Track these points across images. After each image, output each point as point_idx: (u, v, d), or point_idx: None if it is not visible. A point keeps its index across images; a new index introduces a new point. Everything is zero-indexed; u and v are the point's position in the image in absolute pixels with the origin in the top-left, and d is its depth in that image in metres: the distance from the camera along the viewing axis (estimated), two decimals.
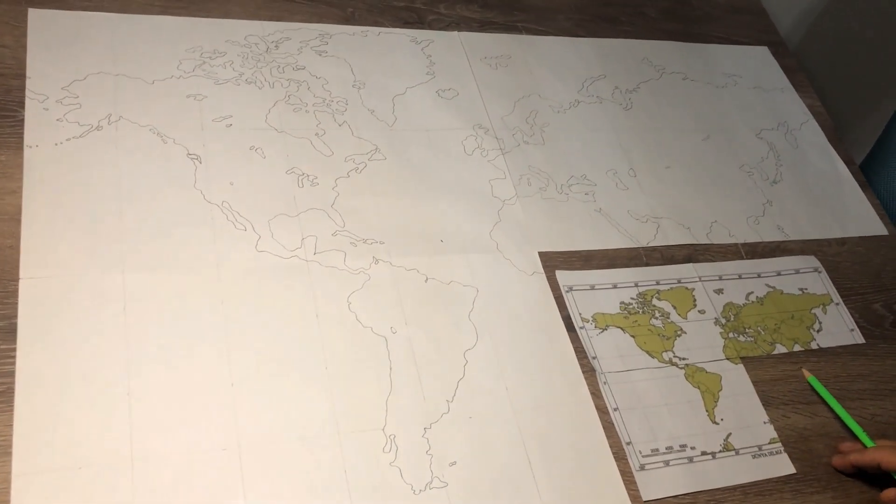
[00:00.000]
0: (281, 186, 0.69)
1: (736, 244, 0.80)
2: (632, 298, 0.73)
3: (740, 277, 0.78)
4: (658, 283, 0.75)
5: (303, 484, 0.55)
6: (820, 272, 0.81)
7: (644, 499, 0.62)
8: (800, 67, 1.02)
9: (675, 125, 0.89)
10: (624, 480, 0.62)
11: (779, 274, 0.79)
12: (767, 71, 0.99)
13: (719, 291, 0.76)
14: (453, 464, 0.59)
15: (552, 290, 0.71)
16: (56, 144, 0.65)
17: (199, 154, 0.68)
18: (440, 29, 0.87)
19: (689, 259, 0.77)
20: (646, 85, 0.91)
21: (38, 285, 0.58)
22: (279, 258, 0.65)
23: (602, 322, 0.70)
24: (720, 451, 0.66)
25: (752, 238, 0.81)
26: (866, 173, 0.94)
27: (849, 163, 0.92)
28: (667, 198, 0.81)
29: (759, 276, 0.78)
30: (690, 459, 0.65)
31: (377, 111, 0.77)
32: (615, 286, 0.73)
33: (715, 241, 0.80)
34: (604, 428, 0.64)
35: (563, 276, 0.72)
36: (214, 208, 0.66)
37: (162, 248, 0.62)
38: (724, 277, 0.77)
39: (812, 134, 0.94)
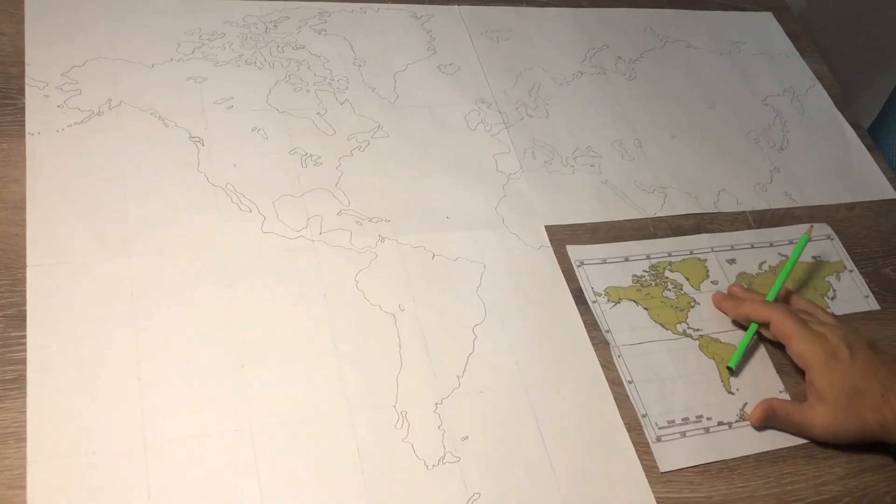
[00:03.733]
0: (284, 167, 0.68)
1: (744, 212, 0.80)
2: (644, 271, 0.73)
3: (752, 247, 0.77)
4: (670, 255, 0.74)
5: (316, 463, 0.55)
6: (833, 239, 0.80)
7: (661, 470, 0.62)
8: (805, 32, 1.01)
9: (679, 94, 0.88)
10: (638, 452, 0.62)
11: (791, 242, 0.79)
12: (772, 37, 0.98)
13: (732, 262, 0.76)
14: (465, 438, 0.59)
15: (560, 264, 0.70)
16: (58, 131, 0.65)
17: (202, 137, 0.68)
18: (440, 3, 0.86)
19: (697, 228, 0.77)
20: (649, 54, 0.90)
21: (46, 273, 0.58)
22: (285, 239, 0.64)
23: (615, 295, 0.70)
24: (736, 421, 0.66)
25: (760, 206, 0.81)
26: (874, 137, 0.93)
27: (856, 127, 0.91)
28: (673, 167, 0.81)
29: (771, 245, 0.78)
30: (707, 430, 0.65)
31: (378, 88, 0.77)
32: (626, 259, 0.73)
33: (723, 210, 0.79)
34: (617, 400, 0.64)
35: (574, 251, 0.72)
36: (219, 191, 0.65)
37: (167, 232, 0.62)
38: (736, 247, 0.77)
39: (818, 99, 0.93)
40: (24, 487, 0.50)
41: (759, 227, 0.79)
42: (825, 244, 0.80)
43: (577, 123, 0.81)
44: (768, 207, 0.81)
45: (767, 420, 0.65)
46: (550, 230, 0.72)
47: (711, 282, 0.74)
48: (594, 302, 0.69)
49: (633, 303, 0.70)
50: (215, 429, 0.55)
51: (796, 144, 0.88)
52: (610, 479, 0.60)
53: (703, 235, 0.76)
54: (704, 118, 0.86)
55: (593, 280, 0.70)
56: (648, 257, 0.74)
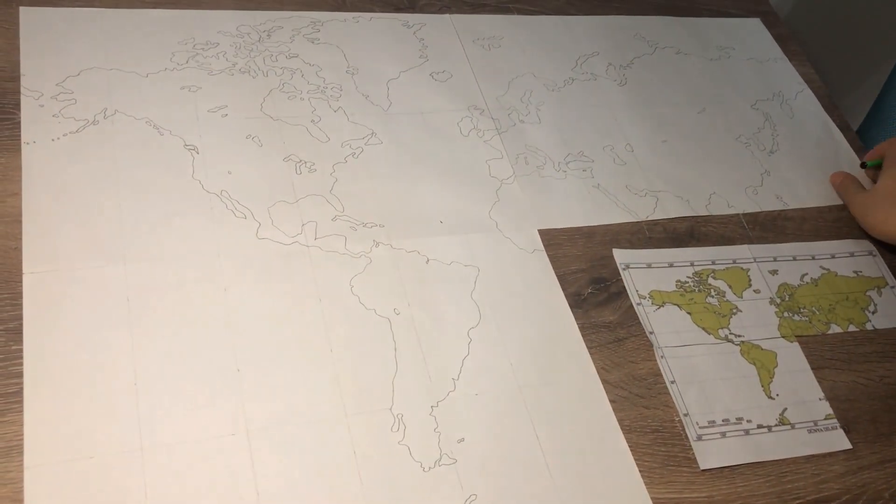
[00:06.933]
0: (279, 174, 0.69)
1: (737, 214, 0.80)
2: (688, 277, 0.74)
3: (795, 259, 0.79)
4: (713, 263, 0.76)
5: (312, 466, 0.55)
6: (875, 256, 0.81)
7: (701, 468, 0.63)
8: (792, 36, 1.02)
9: (670, 99, 0.89)
10: (678, 449, 0.63)
11: (833, 257, 0.80)
12: (760, 42, 0.99)
13: (774, 272, 0.77)
14: (461, 440, 0.59)
15: (554, 268, 0.71)
16: (53, 140, 0.65)
17: (196, 145, 0.68)
18: (432, 12, 0.87)
19: (691, 232, 0.77)
20: (639, 60, 0.91)
21: (41, 280, 0.58)
22: (280, 245, 0.65)
23: (659, 299, 0.71)
24: (776, 425, 0.67)
25: (751, 208, 0.81)
26: (864, 139, 0.94)
27: (845, 129, 0.92)
28: (665, 171, 0.81)
29: (813, 258, 0.79)
30: (747, 432, 0.66)
31: (372, 96, 0.77)
32: (671, 265, 0.74)
33: (715, 213, 0.80)
34: (660, 397, 0.66)
35: (620, 255, 0.73)
36: (213, 198, 0.66)
37: (163, 239, 0.62)
38: (778, 259, 0.78)
39: (807, 103, 0.94)
40: (20, 492, 0.50)
41: (752, 230, 0.80)
42: (867, 260, 0.80)
43: (569, 129, 0.82)
44: (760, 210, 0.81)
45: (838, 191, 0.84)
46: (543, 234, 0.73)
47: (754, 290, 0.75)
48: (638, 304, 0.71)
49: (676, 307, 0.71)
50: (212, 433, 0.55)
51: (786, 147, 0.88)
52: (605, 479, 0.60)
53: (746, 246, 0.78)
54: (695, 123, 0.87)
55: (638, 283, 0.72)
56: (692, 264, 0.75)
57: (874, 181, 0.83)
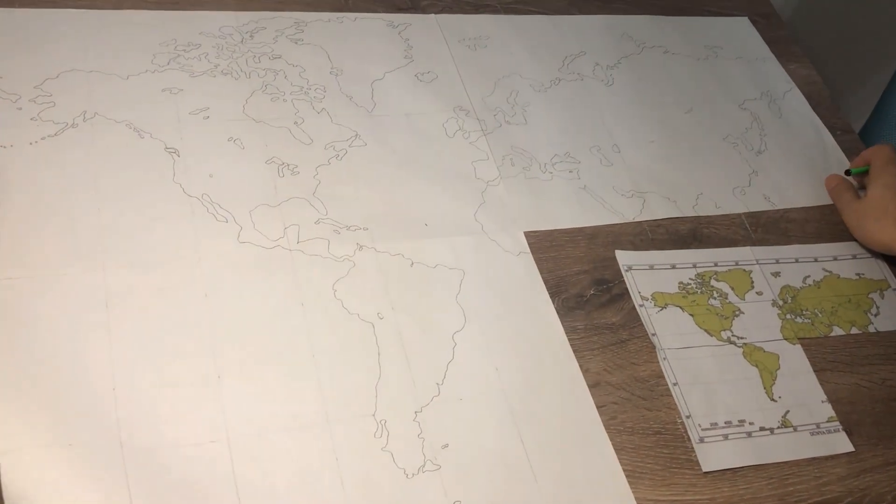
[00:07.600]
0: (261, 176, 0.68)
1: (739, 216, 0.80)
2: (690, 279, 0.74)
3: (797, 261, 0.78)
4: (716, 265, 0.75)
5: (294, 473, 0.55)
6: (877, 258, 0.81)
7: (704, 470, 0.62)
8: (795, 38, 1.01)
9: (657, 99, 0.88)
10: (680, 451, 0.63)
11: (835, 259, 0.80)
12: (749, 41, 0.99)
13: (776, 274, 0.77)
14: (445, 446, 0.58)
15: (539, 270, 0.70)
16: (31, 144, 0.64)
17: (177, 147, 0.68)
18: (417, 12, 0.86)
19: (693, 233, 0.77)
20: (626, 60, 0.91)
21: (17, 285, 0.57)
22: (262, 248, 0.64)
23: (661, 301, 0.71)
24: (778, 428, 0.66)
25: (738, 209, 0.81)
26: (866, 139, 0.94)
27: (833, 129, 0.92)
28: (652, 172, 0.81)
29: (815, 260, 0.79)
30: (749, 434, 0.65)
31: (356, 97, 0.77)
32: (673, 267, 0.74)
33: (702, 214, 0.79)
34: (662, 399, 0.65)
35: (623, 256, 0.73)
36: (194, 201, 0.65)
37: (143, 244, 0.61)
38: (781, 261, 0.78)
39: (796, 103, 0.94)
40: None
41: (754, 231, 0.79)
42: (869, 262, 0.80)
43: (555, 130, 0.81)
44: (747, 210, 0.81)
45: (831, 195, 0.83)
46: (529, 236, 0.72)
47: (756, 292, 0.74)
48: (641, 306, 0.70)
49: (678, 308, 0.71)
50: (192, 440, 0.54)
51: (774, 148, 0.88)
52: (591, 483, 0.60)
53: (748, 248, 0.77)
54: (682, 123, 0.87)
55: (640, 285, 0.71)
56: (695, 266, 0.75)
57: (864, 187, 0.83)
